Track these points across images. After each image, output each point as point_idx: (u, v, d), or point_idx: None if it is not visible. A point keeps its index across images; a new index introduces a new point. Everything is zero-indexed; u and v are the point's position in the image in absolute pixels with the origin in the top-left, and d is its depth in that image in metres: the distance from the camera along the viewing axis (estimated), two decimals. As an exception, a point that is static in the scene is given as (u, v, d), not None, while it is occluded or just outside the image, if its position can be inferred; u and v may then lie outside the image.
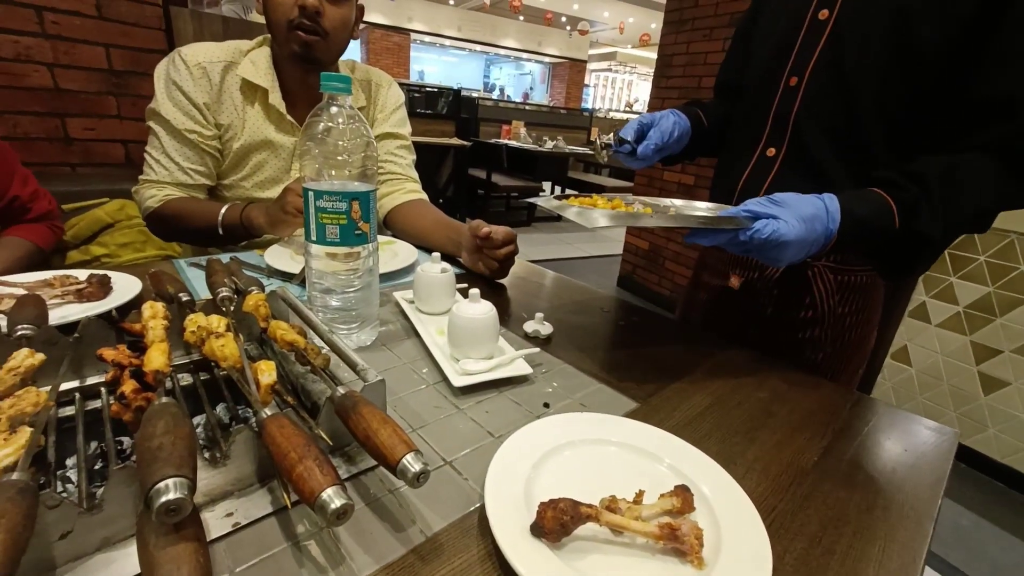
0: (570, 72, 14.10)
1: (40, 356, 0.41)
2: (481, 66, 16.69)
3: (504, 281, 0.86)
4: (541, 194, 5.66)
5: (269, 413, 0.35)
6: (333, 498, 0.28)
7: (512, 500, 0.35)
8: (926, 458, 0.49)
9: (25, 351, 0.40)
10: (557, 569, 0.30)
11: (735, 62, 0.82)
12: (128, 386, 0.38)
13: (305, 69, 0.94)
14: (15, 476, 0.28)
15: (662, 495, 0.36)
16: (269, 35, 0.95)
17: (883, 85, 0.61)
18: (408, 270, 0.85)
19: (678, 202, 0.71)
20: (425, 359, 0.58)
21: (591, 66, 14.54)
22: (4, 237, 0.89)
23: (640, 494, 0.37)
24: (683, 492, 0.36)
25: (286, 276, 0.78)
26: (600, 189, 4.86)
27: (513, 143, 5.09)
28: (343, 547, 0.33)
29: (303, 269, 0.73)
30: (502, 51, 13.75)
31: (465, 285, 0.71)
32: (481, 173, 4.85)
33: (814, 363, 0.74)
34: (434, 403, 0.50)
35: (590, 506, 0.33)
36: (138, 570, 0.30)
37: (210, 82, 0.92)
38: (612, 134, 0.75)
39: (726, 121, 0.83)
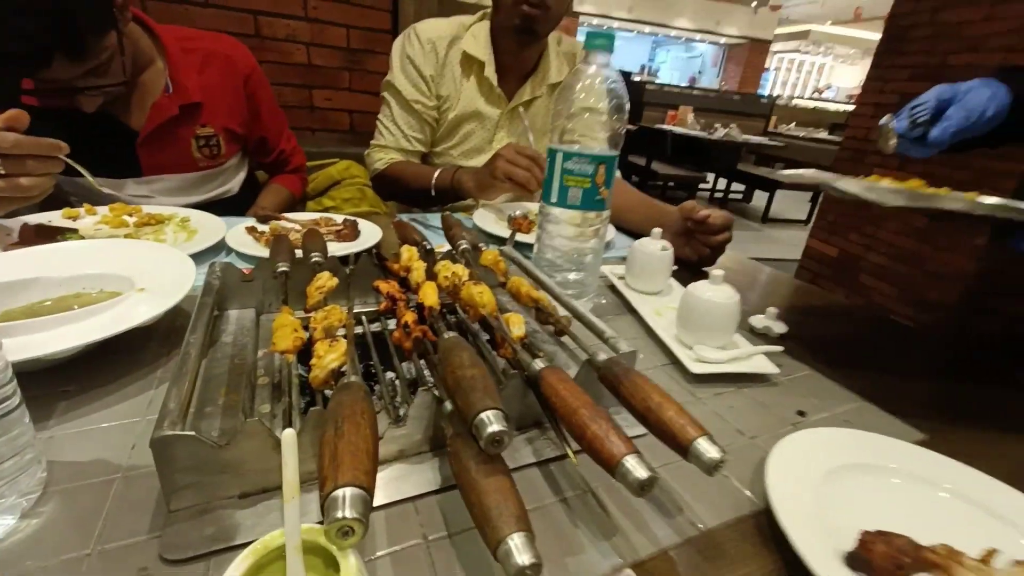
0: (749, 54, 12.67)
1: (335, 280, 0.46)
2: (647, 49, 15.89)
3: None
4: (701, 185, 5.23)
5: (541, 365, 0.35)
6: (637, 467, 0.26)
7: (806, 518, 0.30)
8: None
9: (326, 274, 0.46)
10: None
11: None
12: (410, 316, 0.41)
13: (522, 42, 0.95)
14: (352, 379, 0.31)
15: (1019, 562, 0.28)
16: (489, 9, 0.99)
17: None
18: (607, 247, 0.83)
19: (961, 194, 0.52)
20: (645, 338, 0.55)
21: (775, 47, 12.86)
22: (272, 184, 1.08)
23: (990, 553, 0.28)
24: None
25: (496, 239, 0.81)
26: (778, 185, 4.30)
27: (679, 129, 4.77)
28: (608, 507, 0.32)
29: (513, 233, 0.74)
30: (673, 32, 12.90)
31: (676, 268, 0.65)
32: (641, 160, 4.65)
33: None
34: (667, 387, 0.46)
35: (936, 552, 0.26)
36: (432, 487, 0.32)
37: (437, 56, 0.99)
38: (903, 114, 0.59)
39: None
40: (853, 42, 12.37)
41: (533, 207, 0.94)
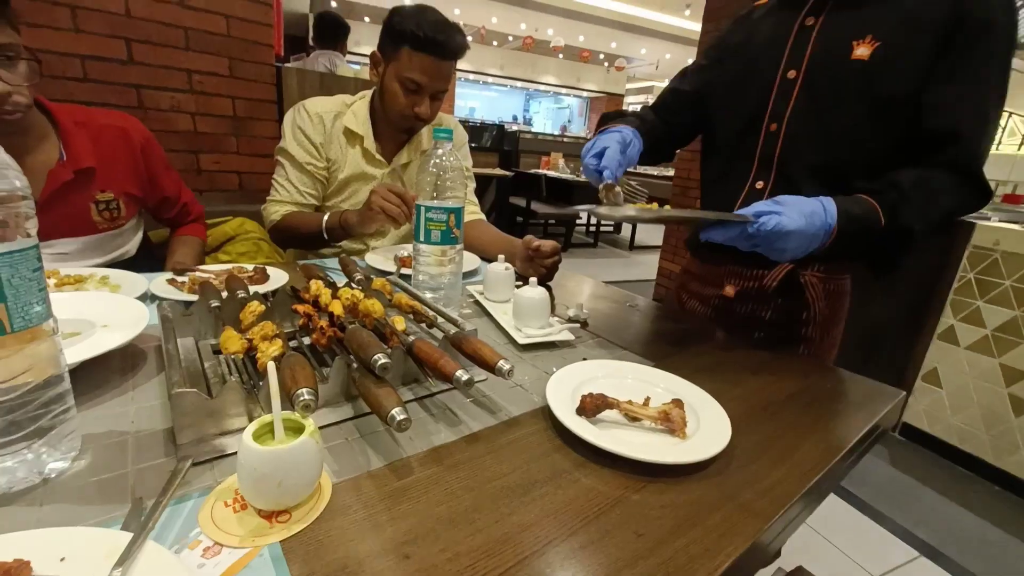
0: (607, 105, 14.52)
1: (263, 306, 0.64)
2: (521, 101, 17.42)
3: (550, 284, 1.07)
4: (578, 220, 5.91)
5: (414, 338, 0.57)
6: (464, 374, 0.49)
7: (564, 399, 0.55)
8: (866, 403, 0.65)
9: (255, 302, 0.64)
10: (592, 432, 0.50)
11: (676, 99, 0.99)
12: (324, 322, 0.61)
13: (403, 135, 1.22)
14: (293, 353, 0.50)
15: (663, 403, 0.55)
16: (368, 93, 1.23)
17: (856, 128, 0.75)
18: (473, 272, 1.08)
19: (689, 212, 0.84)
20: (495, 330, 0.80)
21: (628, 99, 14.93)
22: (180, 237, 1.18)
23: (647, 400, 0.56)
24: (677, 402, 0.55)
25: (385, 273, 1.02)
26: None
27: (551, 173, 5.38)
28: (459, 416, 0.54)
29: (399, 267, 0.96)
30: (542, 87, 14.36)
31: (520, 282, 0.92)
32: (521, 201, 5.13)
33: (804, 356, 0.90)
34: (505, 354, 0.71)
35: (613, 399, 0.53)
36: (347, 416, 0.52)
37: (324, 127, 1.20)
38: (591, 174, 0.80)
39: (663, 134, 0.98)
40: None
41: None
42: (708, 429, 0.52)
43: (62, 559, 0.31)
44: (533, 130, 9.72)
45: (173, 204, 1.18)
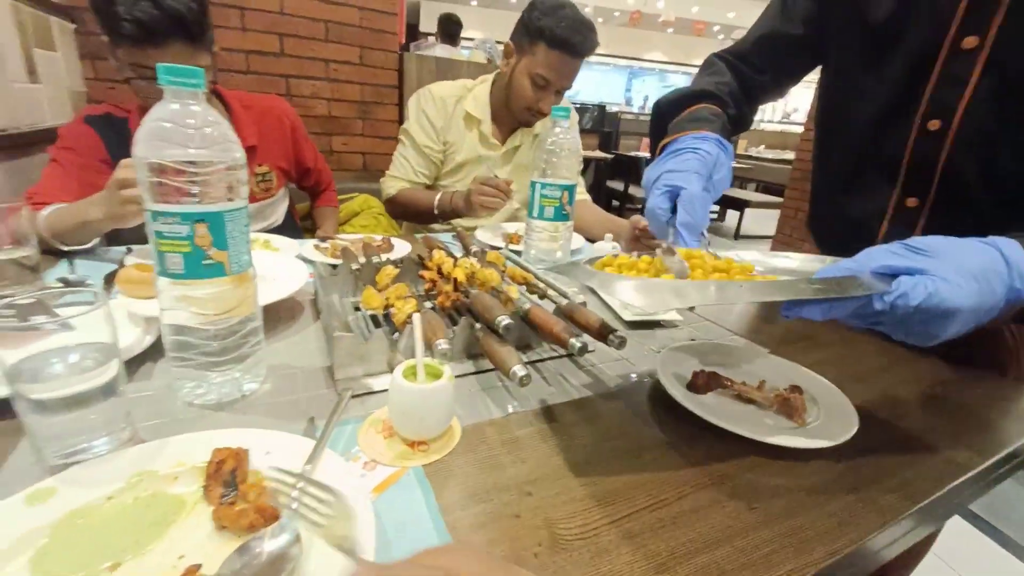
0: (719, 82, 13.42)
1: (396, 270, 0.72)
2: (623, 79, 16.74)
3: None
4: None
5: (530, 304, 0.61)
6: (578, 341, 0.52)
7: (674, 375, 0.56)
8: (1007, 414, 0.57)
9: (390, 266, 0.72)
10: (704, 408, 0.50)
11: (775, 46, 0.73)
12: (448, 287, 0.67)
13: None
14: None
15: (778, 392, 0.54)
16: (490, 78, 1.29)
17: None
18: (577, 252, 1.10)
19: (747, 255, 0.55)
20: (600, 307, 0.81)
21: (744, 75, 13.65)
22: (320, 209, 1.36)
23: (761, 383, 0.54)
24: (795, 388, 0.53)
25: (494, 248, 1.08)
26: (746, 204, 4.66)
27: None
28: (569, 380, 0.57)
29: (506, 244, 1.01)
30: (647, 64, 13.67)
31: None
32: (619, 185, 5.00)
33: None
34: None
35: (727, 378, 0.53)
36: (469, 371, 0.57)
37: (446, 110, 1.28)
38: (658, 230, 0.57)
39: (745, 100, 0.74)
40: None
41: (520, 226, 1.21)
42: (829, 418, 0.50)
43: (267, 452, 0.39)
44: (634, 111, 9.33)
45: (312, 174, 1.34)
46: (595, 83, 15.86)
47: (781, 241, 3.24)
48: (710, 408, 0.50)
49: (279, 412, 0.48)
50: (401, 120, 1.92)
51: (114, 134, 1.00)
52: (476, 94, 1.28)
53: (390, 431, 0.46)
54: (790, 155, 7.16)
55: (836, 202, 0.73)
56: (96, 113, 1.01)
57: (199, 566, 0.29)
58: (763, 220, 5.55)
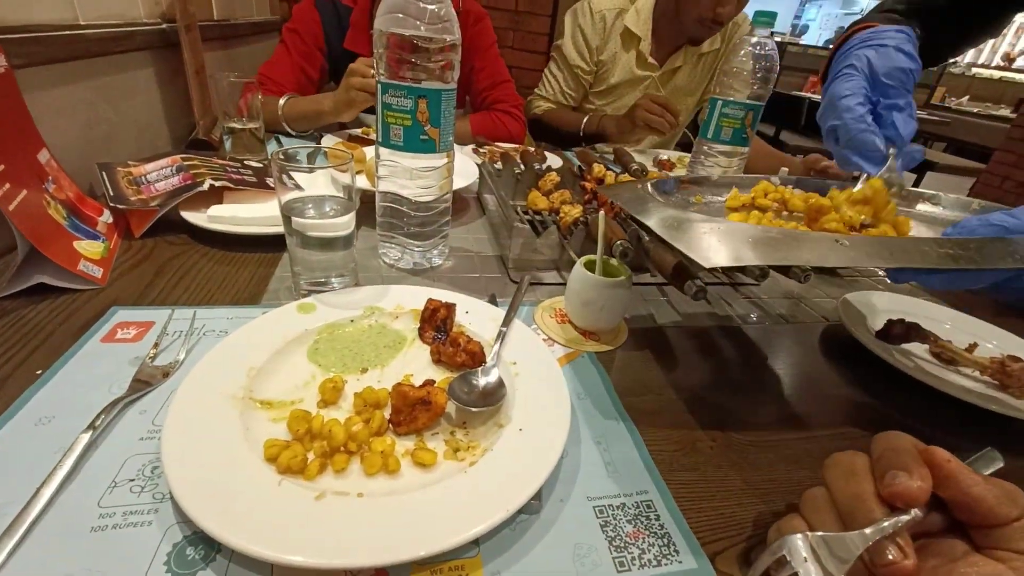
0: (925, 11, 10.79)
1: (558, 176, 0.73)
2: (795, 3, 14.14)
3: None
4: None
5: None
6: (694, 282, 0.50)
7: (863, 320, 0.51)
8: None
9: (553, 173, 0.73)
10: (901, 361, 0.46)
11: None
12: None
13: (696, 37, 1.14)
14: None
15: (994, 356, 0.47)
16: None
17: None
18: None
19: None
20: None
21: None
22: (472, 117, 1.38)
23: (973, 345, 0.48)
24: (1014, 358, 0.46)
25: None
26: (930, 166, 3.87)
27: (818, 97, 4.42)
28: (733, 308, 0.55)
29: (659, 171, 0.96)
30: (830, -15, 11.34)
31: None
32: (769, 130, 4.42)
33: None
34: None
35: (929, 332, 0.47)
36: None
37: (605, 26, 1.19)
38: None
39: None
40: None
41: (673, 154, 1.14)
42: (1059, 398, 0.43)
43: (467, 312, 0.44)
44: (803, 42, 7.91)
45: (481, 86, 1.22)
46: (759, 2, 13.60)
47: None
48: (906, 362, 0.45)
49: (462, 285, 0.54)
50: (552, 33, 1.84)
51: (336, 22, 1.06)
52: (639, 7, 1.17)
53: (563, 318, 0.49)
54: (1004, 111, 5.70)
55: None
56: None
57: (433, 381, 0.35)
58: (949, 188, 4.61)
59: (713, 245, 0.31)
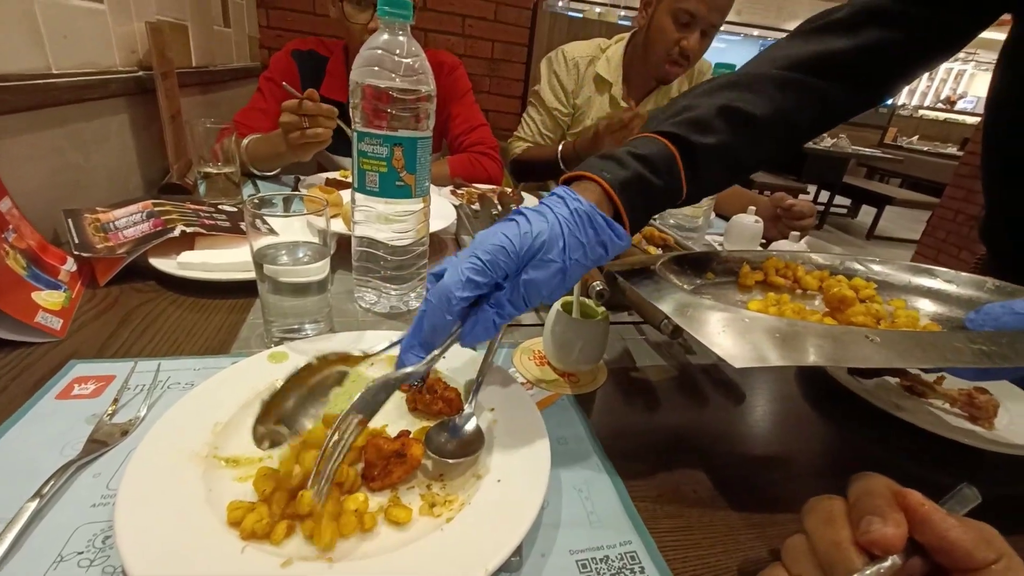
0: (871, 59, 11.67)
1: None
2: (753, 51, 15.16)
3: (795, 247, 0.97)
4: (802, 196, 5.04)
5: (675, 265, 0.60)
6: (670, 321, 0.51)
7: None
8: None
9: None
10: (873, 395, 0.47)
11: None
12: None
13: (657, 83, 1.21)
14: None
15: (961, 388, 0.48)
16: (626, 36, 1.24)
17: None
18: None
19: (882, 268, 0.50)
20: (736, 280, 0.78)
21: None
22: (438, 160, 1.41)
23: (941, 378, 0.49)
24: (980, 389, 0.47)
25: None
26: (888, 200, 4.09)
27: (781, 138, 4.66)
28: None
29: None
30: (784, 35, 12.22)
31: (764, 241, 0.87)
32: (737, 167, 4.62)
33: None
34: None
35: (900, 369, 0.48)
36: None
37: (578, 72, 1.25)
38: None
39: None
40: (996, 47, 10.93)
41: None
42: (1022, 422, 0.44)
43: (444, 356, 0.43)
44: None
45: (457, 131, 1.26)
46: (723, 57, 14.56)
47: (930, 246, 2.82)
48: (879, 397, 0.46)
49: (439, 329, 0.53)
50: (527, 80, 1.91)
51: (311, 70, 1.09)
52: (610, 55, 1.23)
53: (542, 360, 0.49)
54: (951, 149, 6.12)
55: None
56: (302, 48, 1.11)
57: (408, 432, 0.34)
58: (906, 221, 4.87)
59: (738, 343, 0.30)
